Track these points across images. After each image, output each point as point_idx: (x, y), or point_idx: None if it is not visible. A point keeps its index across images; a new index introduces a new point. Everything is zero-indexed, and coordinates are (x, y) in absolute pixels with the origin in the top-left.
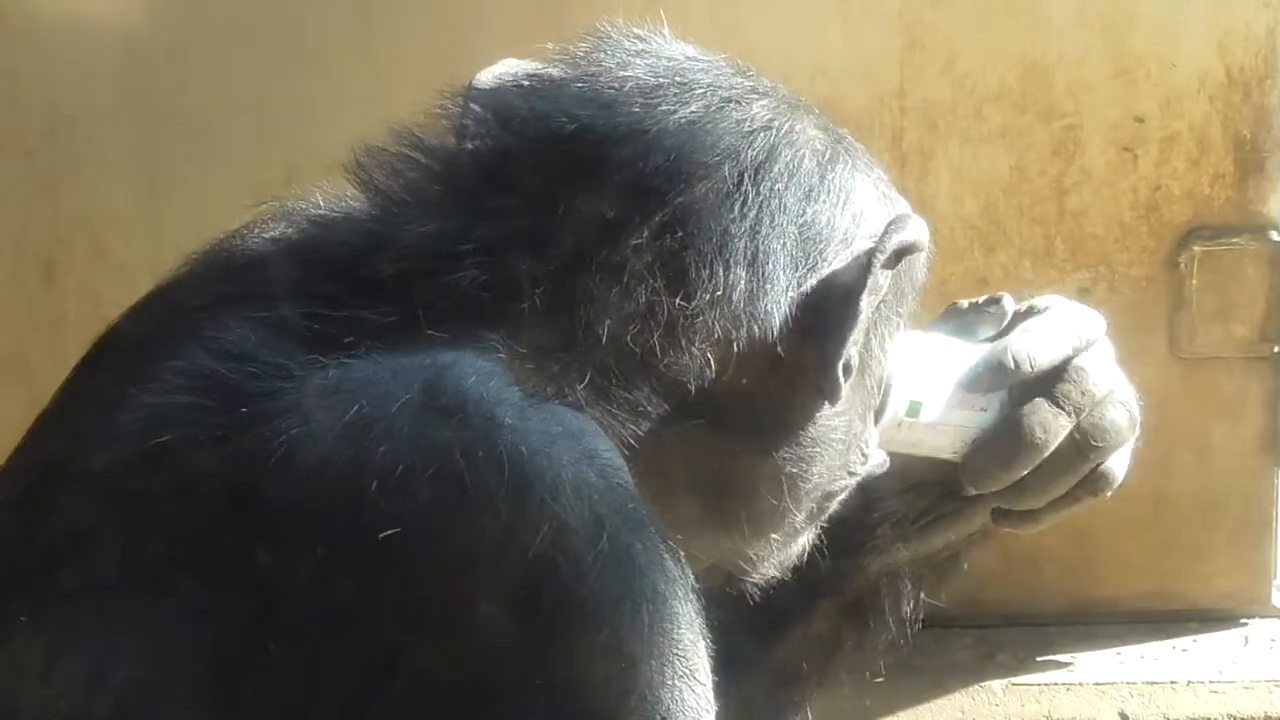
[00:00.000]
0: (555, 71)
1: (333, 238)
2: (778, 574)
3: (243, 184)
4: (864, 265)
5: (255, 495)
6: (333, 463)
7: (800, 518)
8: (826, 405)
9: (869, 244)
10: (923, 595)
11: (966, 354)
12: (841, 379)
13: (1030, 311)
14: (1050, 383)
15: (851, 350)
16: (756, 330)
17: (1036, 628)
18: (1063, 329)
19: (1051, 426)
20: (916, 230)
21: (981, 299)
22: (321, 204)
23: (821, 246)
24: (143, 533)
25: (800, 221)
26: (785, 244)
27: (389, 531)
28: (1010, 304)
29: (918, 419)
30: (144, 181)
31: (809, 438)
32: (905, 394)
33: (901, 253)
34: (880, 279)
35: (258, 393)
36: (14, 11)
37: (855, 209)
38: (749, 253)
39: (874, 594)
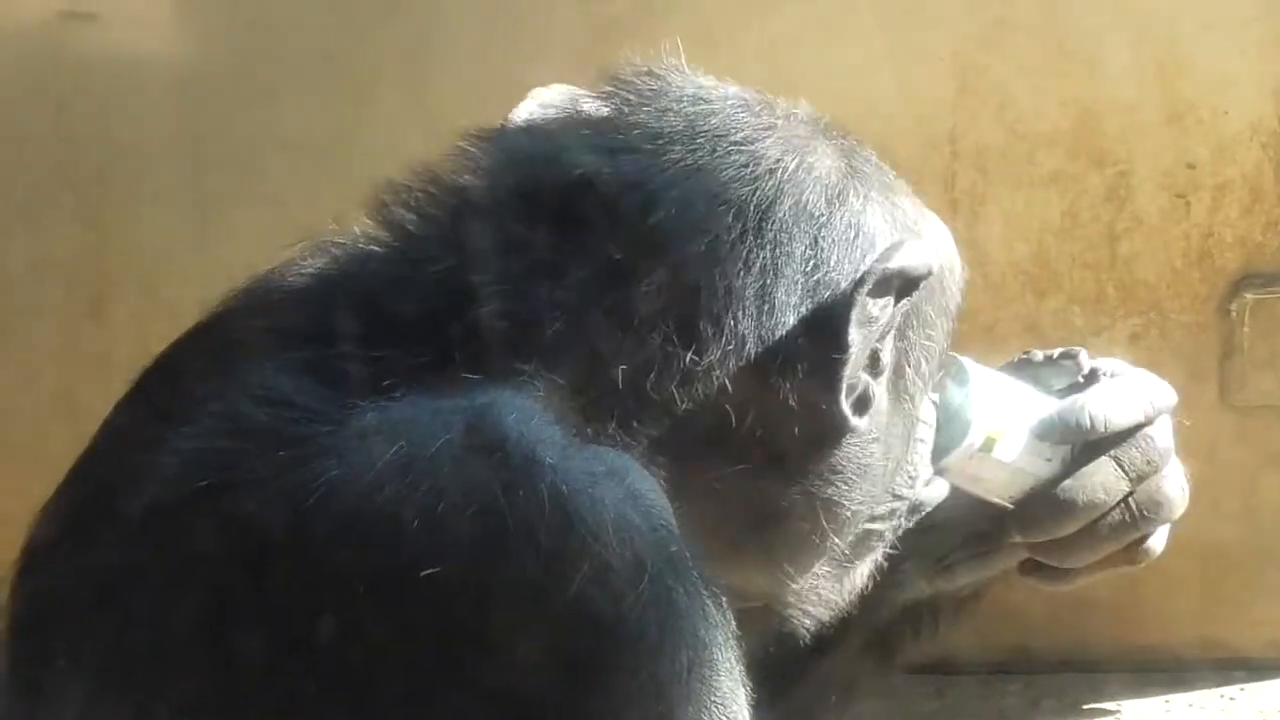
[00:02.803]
0: (568, 115)
1: (360, 277)
2: (831, 611)
3: (292, 222)
4: (848, 296)
5: (295, 536)
6: (373, 502)
7: (844, 546)
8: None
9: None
10: (941, 629)
11: (1041, 402)
12: (849, 413)
13: (1096, 374)
14: (1118, 446)
15: (861, 376)
16: (770, 377)
17: (1084, 674)
18: (1139, 395)
19: (1113, 489)
20: (910, 254)
21: (1056, 352)
22: (347, 242)
23: (829, 288)
24: (182, 575)
25: (807, 266)
26: (793, 290)
27: (430, 570)
28: (1086, 360)
29: (990, 455)
30: (194, 219)
31: (842, 464)
32: (983, 427)
33: (901, 280)
34: (870, 309)
35: (296, 436)
36: (66, 48)
37: (865, 243)
38: (757, 303)
39: (896, 627)
